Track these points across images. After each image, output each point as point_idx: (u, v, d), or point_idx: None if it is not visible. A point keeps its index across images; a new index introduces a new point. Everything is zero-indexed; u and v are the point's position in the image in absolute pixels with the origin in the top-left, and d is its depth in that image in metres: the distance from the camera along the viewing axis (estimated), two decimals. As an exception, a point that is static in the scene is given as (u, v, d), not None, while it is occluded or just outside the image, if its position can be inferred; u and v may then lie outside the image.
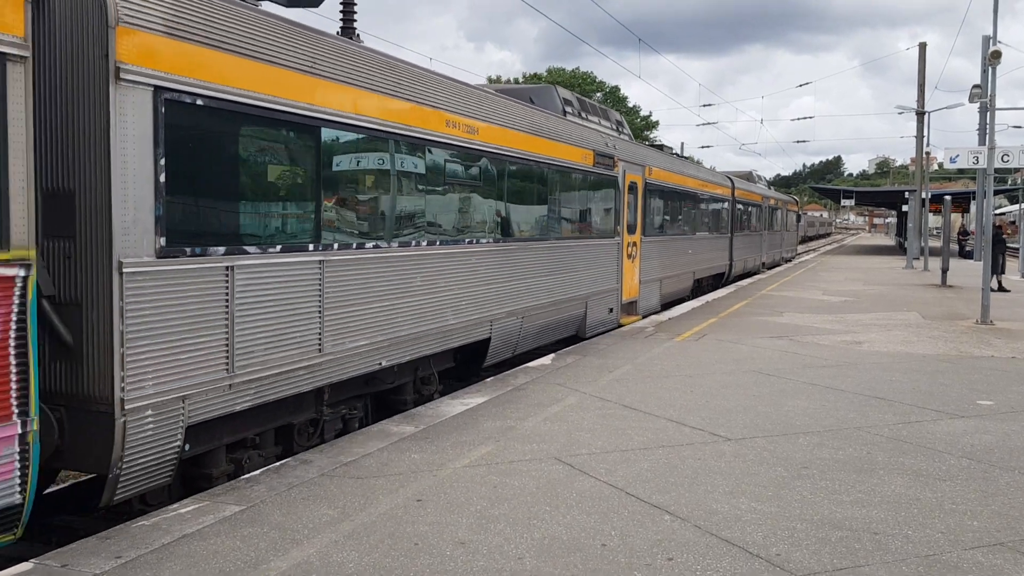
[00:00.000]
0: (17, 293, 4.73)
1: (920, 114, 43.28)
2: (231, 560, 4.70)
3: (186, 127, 5.85)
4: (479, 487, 5.99)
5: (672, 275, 19.61)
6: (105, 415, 5.32)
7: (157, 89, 5.54)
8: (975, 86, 21.90)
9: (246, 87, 6.32)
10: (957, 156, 17.90)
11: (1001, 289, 22.17)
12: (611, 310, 15.07)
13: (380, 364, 8.16)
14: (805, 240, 79.41)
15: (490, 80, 66.50)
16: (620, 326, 15.42)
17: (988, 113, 17.68)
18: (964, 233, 46.40)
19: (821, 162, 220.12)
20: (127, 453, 5.41)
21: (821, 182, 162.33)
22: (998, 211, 55.90)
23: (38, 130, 5.26)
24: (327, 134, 7.31)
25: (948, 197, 32.66)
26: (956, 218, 59.66)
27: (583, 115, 14.80)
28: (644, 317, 16.84)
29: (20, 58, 4.67)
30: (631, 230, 16.08)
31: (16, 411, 4.75)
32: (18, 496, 4.83)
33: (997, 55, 16.43)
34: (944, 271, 25.46)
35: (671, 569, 4.63)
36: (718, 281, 26.30)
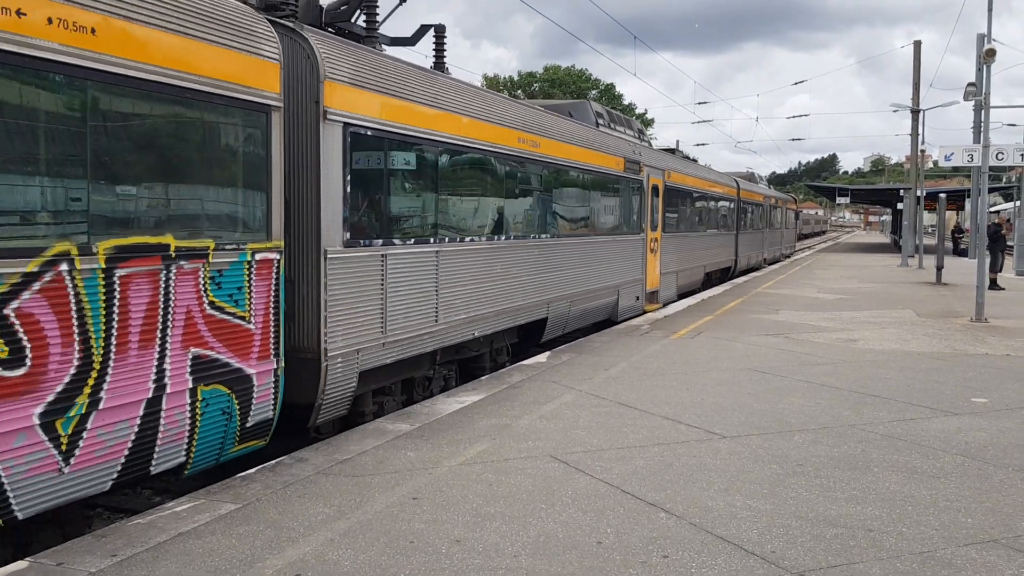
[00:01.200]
0: (275, 271, 6.71)
1: (915, 112, 43.36)
2: (226, 558, 4.69)
3: (360, 151, 7.89)
4: (475, 485, 5.99)
5: (686, 268, 21.44)
6: (312, 361, 7.29)
7: (345, 125, 7.54)
8: (970, 84, 21.93)
9: (394, 119, 8.31)
10: (952, 154, 17.93)
11: (995, 287, 22.20)
12: (637, 298, 16.90)
13: (473, 334, 10.15)
14: (801, 238, 79.76)
15: (486, 78, 66.42)
16: (645, 312, 17.18)
17: (983, 111, 17.71)
18: (959, 231, 46.50)
19: (816, 160, 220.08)
20: (326, 388, 7.39)
21: (816, 180, 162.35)
22: (993, 209, 55.99)
23: None
24: (442, 152, 9.37)
25: (943, 195, 32.67)
26: (951, 216, 59.79)
27: (612, 125, 16.58)
28: (664, 305, 18.51)
29: (278, 108, 6.70)
30: (653, 228, 17.96)
31: (273, 353, 6.70)
32: (271, 412, 6.76)
33: (992, 53, 16.47)
34: (939, 269, 25.50)
35: (666, 567, 4.64)
36: (725, 275, 27.82)
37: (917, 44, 44.43)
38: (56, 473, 5.00)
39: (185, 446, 5.95)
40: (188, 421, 5.91)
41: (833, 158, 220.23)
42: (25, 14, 4.65)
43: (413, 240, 8.73)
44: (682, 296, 20.55)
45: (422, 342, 8.90)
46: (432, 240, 9.07)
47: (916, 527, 5.28)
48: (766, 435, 7.43)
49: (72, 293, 5.05)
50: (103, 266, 5.23)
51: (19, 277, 4.72)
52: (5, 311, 4.67)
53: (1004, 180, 58.09)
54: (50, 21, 4.81)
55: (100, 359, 5.23)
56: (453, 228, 9.63)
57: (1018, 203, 39.53)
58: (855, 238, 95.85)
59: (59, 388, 4.98)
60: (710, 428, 7.64)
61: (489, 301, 10.38)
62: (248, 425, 6.50)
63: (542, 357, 11.51)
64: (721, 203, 26.72)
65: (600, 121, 15.86)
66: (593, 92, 70.74)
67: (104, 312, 5.24)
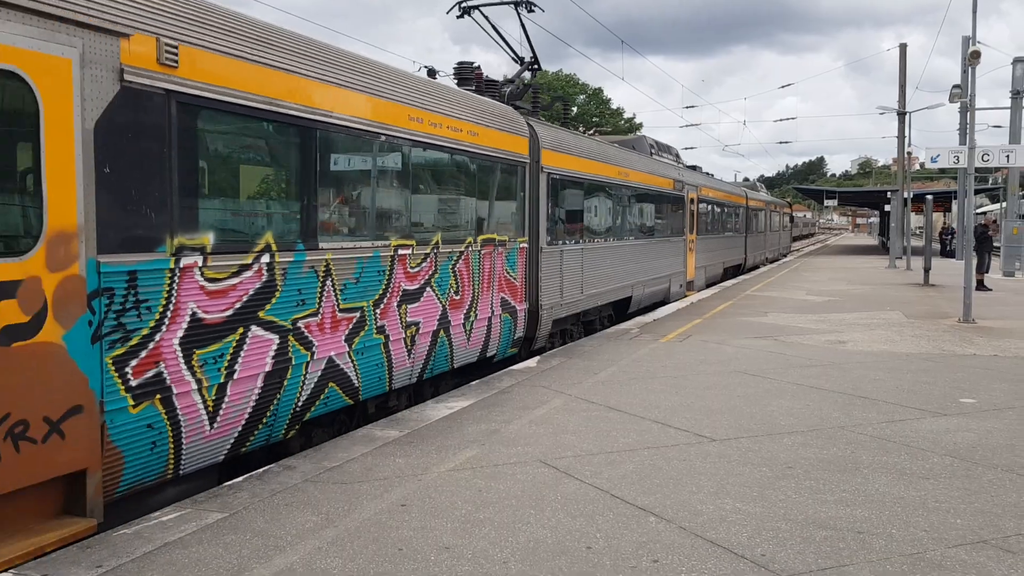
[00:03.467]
0: (526, 255, 12.06)
1: (901, 114, 43.60)
2: (213, 568, 4.65)
3: (553, 187, 12.90)
4: (464, 491, 5.96)
5: (711, 264, 26.74)
6: (534, 311, 12.30)
7: (548, 173, 12.62)
8: (955, 86, 22.08)
9: (565, 167, 13.40)
10: (938, 156, 18.00)
11: (982, 288, 22.30)
12: (681, 285, 22.04)
13: (597, 303, 15.15)
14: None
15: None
16: (687, 296, 21.86)
17: (968, 113, 17.81)
18: (948, 232, 46.65)
19: (804, 163, 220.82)
20: (540, 327, 12.44)
21: (804, 183, 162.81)
22: (979, 210, 56.27)
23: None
24: (584, 184, 14.52)
25: (930, 197, 32.83)
26: (938, 217, 60.11)
27: (660, 153, 22.01)
28: (698, 292, 23.32)
29: (526, 164, 11.95)
30: (690, 232, 23.29)
31: (525, 300, 11.98)
32: (522, 333, 11.99)
33: (976, 55, 16.56)
34: (926, 270, 25.61)
35: (656, 571, 4.62)
36: (738, 270, 33.17)
37: (903, 47, 44.68)
38: (464, 348, 10.19)
39: (496, 344, 11.15)
40: (498, 331, 11.10)
41: (820, 161, 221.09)
42: (460, 130, 9.90)
43: (573, 242, 13.82)
44: (709, 286, 25.57)
45: (575, 306, 13.88)
46: (580, 242, 14.16)
47: (906, 528, 5.28)
48: (755, 438, 7.43)
49: (472, 260, 10.29)
50: (479, 248, 10.49)
51: (459, 252, 9.96)
52: (454, 269, 9.78)
53: (990, 181, 58.41)
54: (469, 133, 10.13)
55: (478, 292, 10.45)
56: (589, 233, 14.80)
57: (1004, 204, 39.76)
58: (843, 240, 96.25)
59: (466, 306, 10.16)
60: (699, 431, 7.63)
61: (605, 282, 15.42)
62: (514, 338, 11.71)
63: (532, 362, 11.50)
64: (735, 210, 32.24)
65: (653, 151, 21.18)
66: (581, 97, 70.89)
67: (477, 269, 10.45)
